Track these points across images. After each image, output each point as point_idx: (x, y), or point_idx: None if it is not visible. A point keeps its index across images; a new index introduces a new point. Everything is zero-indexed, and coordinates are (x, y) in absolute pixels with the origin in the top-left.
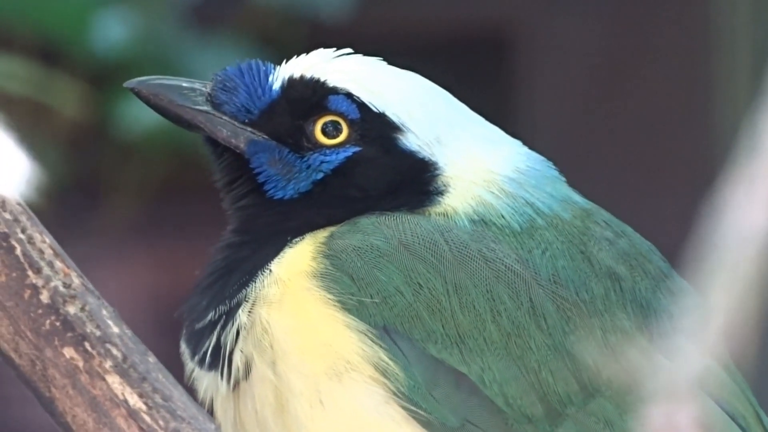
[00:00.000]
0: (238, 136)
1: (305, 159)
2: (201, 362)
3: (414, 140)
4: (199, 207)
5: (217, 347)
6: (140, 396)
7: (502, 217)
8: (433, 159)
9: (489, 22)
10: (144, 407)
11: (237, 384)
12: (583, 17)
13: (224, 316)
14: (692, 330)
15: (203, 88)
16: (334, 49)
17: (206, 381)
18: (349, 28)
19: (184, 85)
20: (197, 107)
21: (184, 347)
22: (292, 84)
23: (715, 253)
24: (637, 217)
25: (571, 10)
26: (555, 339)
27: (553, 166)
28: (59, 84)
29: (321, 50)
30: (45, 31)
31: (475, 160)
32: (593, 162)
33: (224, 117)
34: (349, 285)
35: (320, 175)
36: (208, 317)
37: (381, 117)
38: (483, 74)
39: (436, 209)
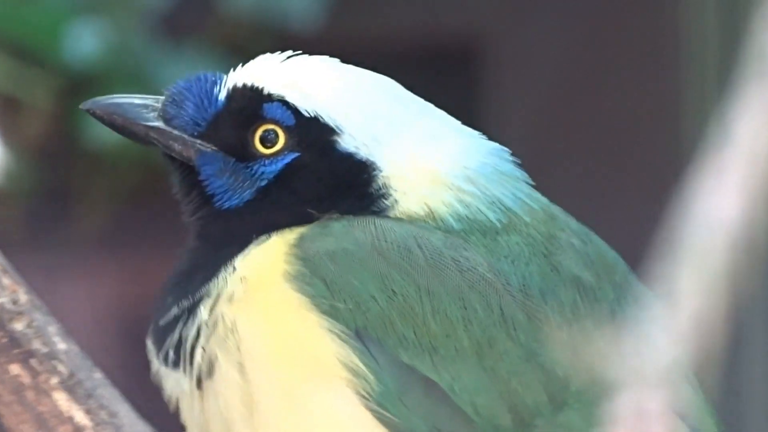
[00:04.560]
0: (189, 148)
1: (249, 169)
2: (165, 360)
3: (351, 141)
4: (168, 218)
5: (179, 343)
6: (86, 412)
7: (449, 219)
8: (371, 159)
9: (458, 32)
10: (90, 423)
11: (201, 382)
12: (551, 27)
13: (186, 312)
14: (661, 322)
15: (155, 104)
16: (284, 53)
17: (171, 380)
18: (319, 37)
19: (136, 101)
20: (149, 123)
21: (150, 344)
22: (234, 93)
23: (684, 245)
24: (608, 224)
25: (540, 19)
26: (525, 349)
27: (510, 159)
28: (31, 89)
29: (266, 55)
30: (17, 41)
31: (418, 158)
32: (563, 169)
33: (175, 131)
34: (322, 288)
35: (264, 183)
36: (172, 313)
37: (315, 121)
38: (452, 84)
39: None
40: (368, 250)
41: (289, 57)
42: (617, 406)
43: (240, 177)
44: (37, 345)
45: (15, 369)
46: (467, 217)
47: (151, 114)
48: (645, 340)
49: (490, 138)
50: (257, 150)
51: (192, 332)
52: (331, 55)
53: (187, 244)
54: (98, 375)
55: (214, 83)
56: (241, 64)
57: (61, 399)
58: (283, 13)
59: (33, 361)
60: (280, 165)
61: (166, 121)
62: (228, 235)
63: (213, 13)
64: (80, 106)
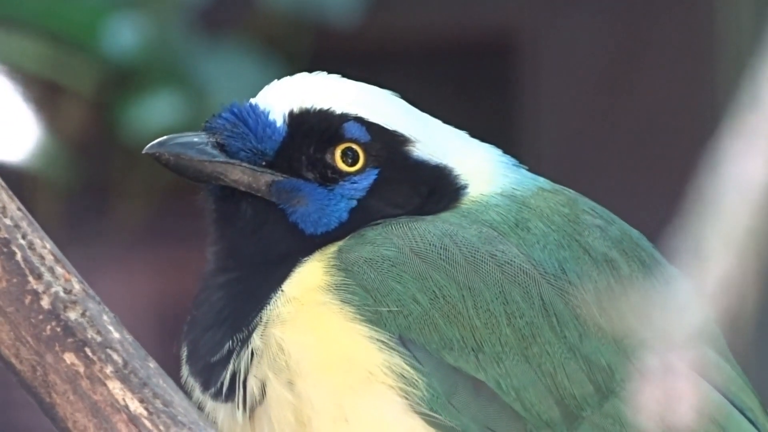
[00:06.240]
0: (259, 180)
1: (335, 190)
2: (217, 394)
3: (425, 149)
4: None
5: (233, 375)
6: (141, 401)
7: (505, 196)
8: (445, 163)
9: (494, 28)
10: (145, 412)
11: (252, 410)
12: (587, 22)
13: (240, 344)
14: (689, 298)
15: (211, 139)
16: (305, 72)
17: (223, 413)
18: (356, 33)
19: (196, 139)
20: (215, 159)
21: (190, 379)
22: (299, 118)
23: (713, 207)
24: (643, 220)
25: (576, 15)
26: (568, 340)
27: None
28: (72, 77)
29: (296, 77)
30: (57, 36)
31: (471, 159)
32: (599, 166)
33: (243, 164)
34: (364, 296)
35: (354, 203)
36: (225, 347)
37: (391, 134)
38: (488, 79)
39: (466, 200)
40: (406, 253)
41: (318, 76)
42: (647, 371)
43: (329, 199)
44: (91, 334)
45: (69, 358)
46: (513, 193)
47: (214, 150)
48: (676, 315)
49: (526, 131)
50: (341, 169)
51: (245, 362)
52: (369, 50)
53: (216, 275)
54: (153, 364)
55: (266, 111)
56: (289, 61)
57: (116, 388)
58: (321, 8)
59: (87, 350)
60: (369, 181)
61: (230, 155)
62: (279, 256)
63: (251, 8)
64: (144, 151)
